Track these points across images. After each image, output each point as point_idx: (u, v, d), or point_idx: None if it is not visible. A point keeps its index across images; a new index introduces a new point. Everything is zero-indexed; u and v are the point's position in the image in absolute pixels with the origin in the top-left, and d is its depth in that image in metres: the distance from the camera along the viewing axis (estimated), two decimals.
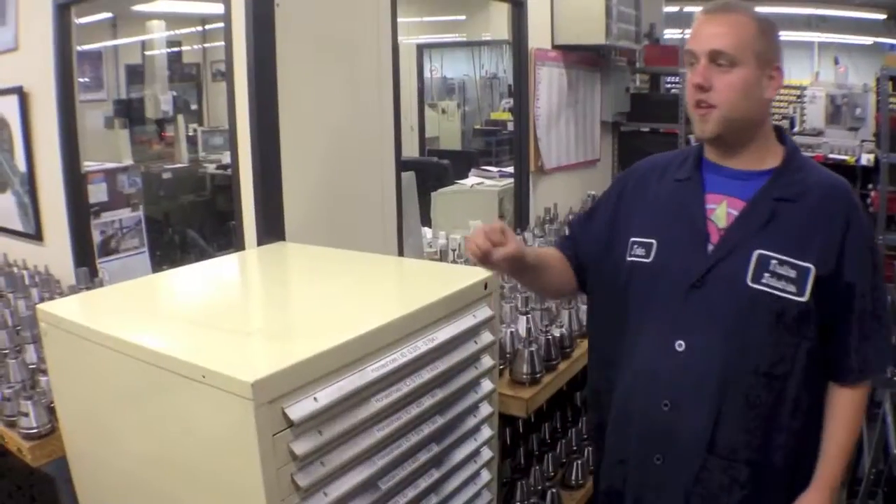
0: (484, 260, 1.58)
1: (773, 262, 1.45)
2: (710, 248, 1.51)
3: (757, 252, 1.46)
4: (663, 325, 1.53)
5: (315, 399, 1.24)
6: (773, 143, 1.56)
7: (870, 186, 5.81)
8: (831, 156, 6.72)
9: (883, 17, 10.34)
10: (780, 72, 1.51)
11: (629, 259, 1.61)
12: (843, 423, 1.53)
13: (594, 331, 1.82)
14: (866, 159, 6.64)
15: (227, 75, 2.23)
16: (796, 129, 6.03)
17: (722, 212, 1.53)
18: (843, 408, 1.52)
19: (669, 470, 1.53)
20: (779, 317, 1.44)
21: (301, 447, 1.21)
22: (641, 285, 1.59)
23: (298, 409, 1.21)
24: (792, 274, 1.44)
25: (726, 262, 1.48)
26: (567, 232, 1.86)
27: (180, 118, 6.91)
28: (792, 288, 1.44)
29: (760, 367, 1.45)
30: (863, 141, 7.66)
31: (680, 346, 1.50)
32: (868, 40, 11.37)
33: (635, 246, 1.61)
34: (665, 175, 1.65)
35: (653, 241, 1.58)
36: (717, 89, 1.46)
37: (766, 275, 1.44)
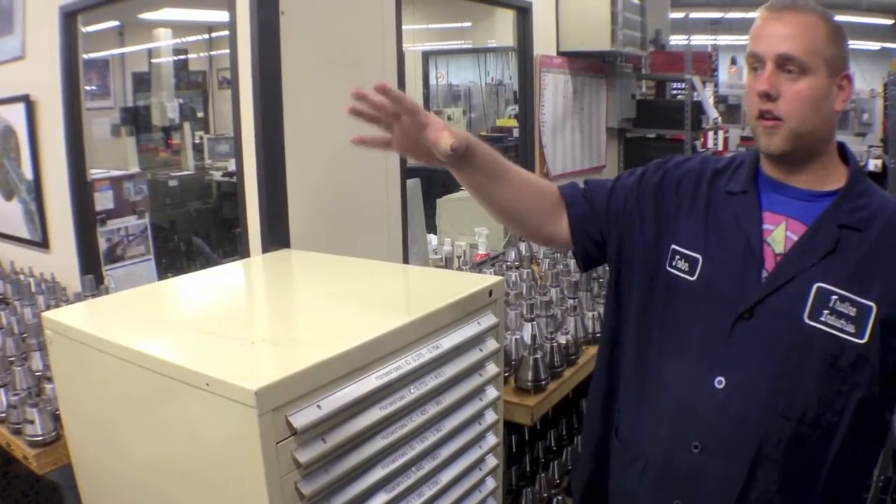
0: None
1: (834, 297, 1.27)
2: (765, 274, 1.34)
3: (816, 285, 1.29)
4: (702, 357, 1.36)
5: (319, 407, 1.24)
6: (837, 162, 1.39)
7: None
8: None
9: (890, 22, 10.34)
10: (850, 81, 1.34)
11: (669, 270, 1.44)
12: None
13: (613, 336, 1.59)
14: (874, 165, 6.64)
15: (233, 83, 2.24)
16: None
17: (780, 234, 1.36)
18: None
19: None
20: (834, 360, 1.27)
21: (305, 455, 1.21)
22: (680, 304, 1.42)
23: (302, 417, 1.20)
24: (852, 312, 1.27)
25: (781, 292, 1.31)
26: (581, 185, 1.62)
27: (186, 126, 6.96)
28: (851, 328, 1.26)
29: (807, 416, 1.28)
30: (870, 146, 7.64)
31: (720, 382, 1.33)
32: (875, 46, 11.37)
33: (677, 257, 1.43)
34: (716, 182, 1.46)
35: (698, 256, 1.41)
36: (785, 99, 1.30)
37: (826, 311, 1.28)
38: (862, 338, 1.26)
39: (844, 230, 1.31)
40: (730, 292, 1.35)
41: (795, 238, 1.34)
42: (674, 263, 1.43)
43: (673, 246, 1.44)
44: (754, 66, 1.34)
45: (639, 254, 1.50)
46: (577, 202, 1.56)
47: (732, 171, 1.46)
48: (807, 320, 1.28)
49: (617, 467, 1.54)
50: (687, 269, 1.41)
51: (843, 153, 1.41)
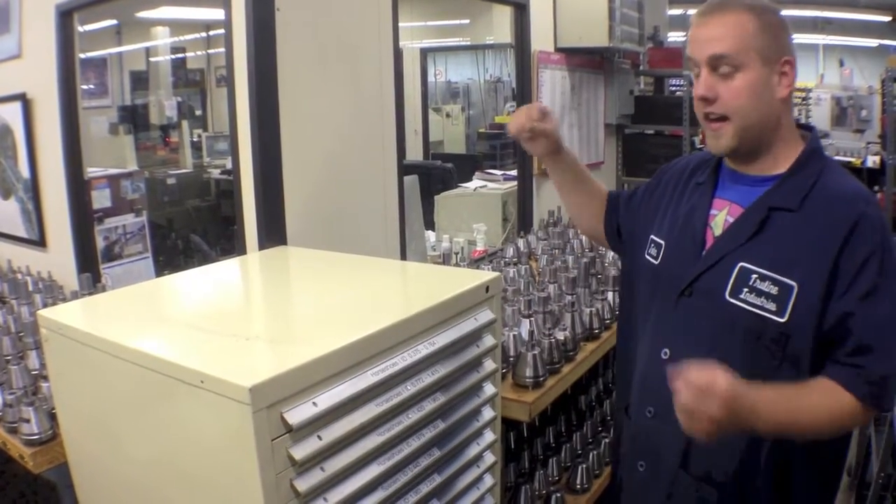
0: (523, 134, 1.65)
1: (755, 276, 1.34)
2: (703, 255, 1.45)
3: (739, 264, 1.36)
4: (656, 331, 1.50)
5: (314, 404, 1.23)
6: (793, 147, 1.42)
7: (876, 188, 5.80)
8: (837, 158, 6.69)
9: (888, 19, 10.32)
10: (791, 65, 1.37)
11: (645, 257, 1.59)
12: (801, 389, 1.30)
13: (619, 320, 1.81)
14: (872, 161, 6.64)
15: (228, 80, 2.23)
16: None
17: (721, 219, 1.46)
18: (819, 388, 1.30)
19: (649, 479, 1.51)
20: (758, 336, 1.33)
21: (300, 452, 1.21)
22: (646, 285, 1.57)
23: (297, 414, 1.20)
24: (773, 291, 1.32)
25: (711, 272, 1.41)
26: (615, 192, 1.87)
27: (185, 124, 6.95)
28: (772, 306, 1.32)
29: None
30: (868, 143, 7.64)
31: (665, 353, 1.46)
32: (873, 42, 11.35)
33: (651, 245, 1.58)
34: (693, 175, 1.59)
35: (663, 242, 1.55)
36: (724, 99, 1.36)
37: (745, 290, 1.34)
38: (783, 316, 1.31)
39: (777, 212, 1.37)
40: (676, 272, 1.47)
41: (732, 221, 1.43)
42: (648, 251, 1.58)
43: (651, 235, 1.59)
44: (695, 72, 1.41)
45: (637, 248, 1.64)
46: (611, 196, 1.82)
47: (707, 163, 1.57)
48: (728, 297, 1.36)
49: (622, 437, 1.68)
50: (655, 255, 1.56)
51: (808, 137, 1.44)
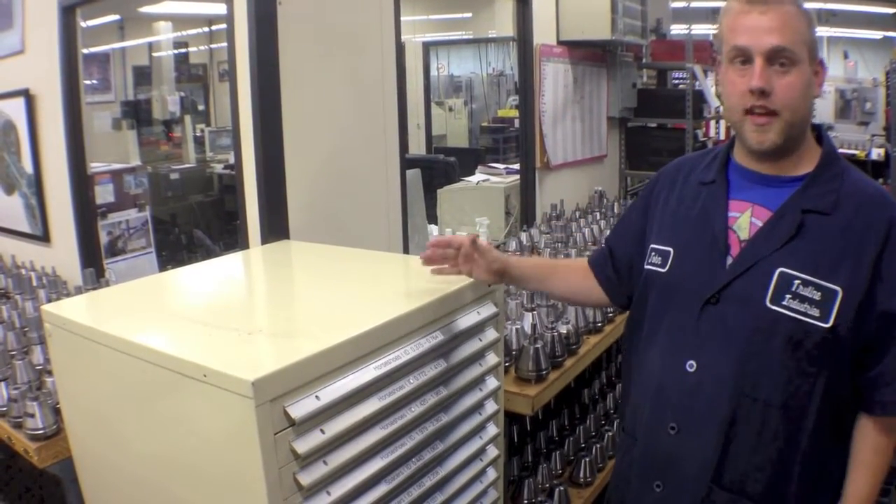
0: (444, 270, 1.62)
1: (797, 282, 1.29)
2: (730, 260, 1.37)
3: (779, 270, 1.30)
4: (675, 342, 1.41)
5: (317, 397, 1.24)
6: (812, 146, 1.39)
7: (880, 181, 5.79)
8: (841, 150, 6.65)
9: (893, 11, 10.27)
10: (823, 66, 1.35)
11: (646, 267, 1.51)
12: (865, 464, 1.34)
13: (624, 338, 1.70)
14: (877, 154, 6.62)
15: (231, 74, 2.23)
16: None
17: (745, 221, 1.38)
18: (868, 446, 1.34)
19: (669, 498, 1.43)
20: (798, 343, 1.29)
21: (303, 446, 1.21)
22: (655, 296, 1.48)
23: (300, 408, 1.20)
24: (816, 296, 1.27)
25: (744, 278, 1.34)
26: (603, 244, 1.78)
27: (187, 119, 6.94)
28: (815, 312, 1.27)
29: (775, 398, 1.30)
30: (873, 135, 7.62)
31: (691, 366, 1.37)
32: (878, 35, 11.30)
33: (653, 254, 1.50)
34: (690, 176, 1.51)
35: (670, 249, 1.46)
36: (778, 93, 1.29)
37: (788, 296, 1.29)
38: (827, 322, 1.27)
39: (810, 214, 1.32)
40: (697, 279, 1.39)
41: (760, 224, 1.36)
42: (650, 260, 1.50)
43: (651, 246, 1.51)
44: (737, 59, 1.33)
45: (638, 265, 1.57)
46: (599, 262, 1.70)
47: (708, 161, 1.50)
48: (769, 304, 1.30)
49: (619, 453, 1.62)
50: (659, 263, 1.48)
51: (820, 136, 1.41)
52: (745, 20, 1.31)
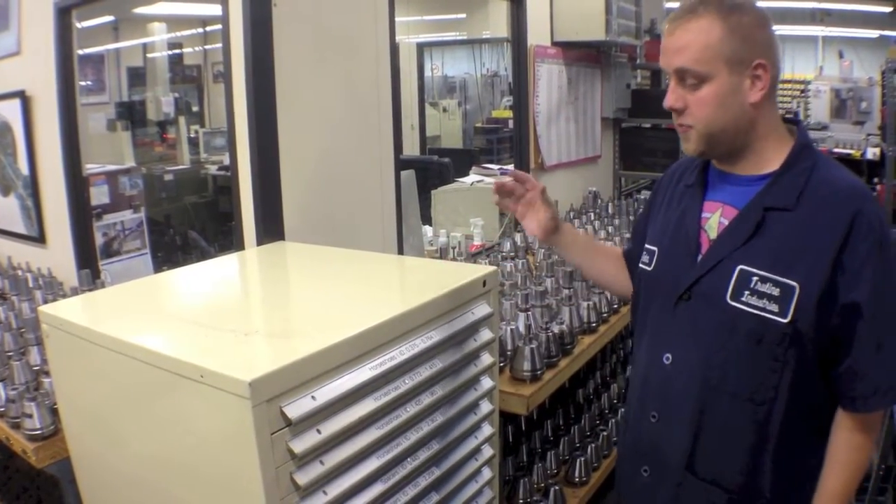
0: (504, 202, 1.66)
1: (755, 278, 1.33)
2: (700, 259, 1.43)
3: (739, 267, 1.35)
4: (655, 336, 1.50)
5: (313, 397, 1.25)
6: (780, 144, 1.40)
7: (875, 180, 5.80)
8: (836, 150, 6.68)
9: (889, 9, 10.30)
10: (765, 68, 1.34)
11: (640, 266, 1.59)
12: (840, 462, 1.36)
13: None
14: (872, 153, 6.63)
15: (226, 75, 2.24)
16: None
17: (715, 221, 1.44)
18: (843, 442, 1.36)
19: (654, 483, 1.51)
20: (760, 338, 1.33)
21: (299, 446, 1.22)
22: (643, 293, 1.57)
23: (296, 408, 1.21)
24: (775, 292, 1.31)
25: (709, 276, 1.40)
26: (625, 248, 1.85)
27: (182, 120, 6.93)
28: (774, 307, 1.31)
29: (740, 391, 1.36)
30: (868, 135, 7.63)
31: (667, 358, 1.46)
32: (873, 34, 11.33)
33: (644, 253, 1.58)
34: (682, 178, 1.57)
35: (655, 248, 1.54)
36: (690, 108, 1.37)
37: (747, 292, 1.34)
38: (785, 317, 1.31)
39: (772, 212, 1.35)
40: (672, 277, 1.47)
41: (727, 223, 1.42)
42: (642, 259, 1.59)
43: (645, 245, 1.59)
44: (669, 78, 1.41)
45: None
46: (627, 248, 1.78)
47: (696, 164, 1.54)
48: (730, 301, 1.36)
49: (619, 442, 1.72)
50: (647, 262, 1.56)
51: (797, 133, 1.42)
52: (664, 42, 1.40)
